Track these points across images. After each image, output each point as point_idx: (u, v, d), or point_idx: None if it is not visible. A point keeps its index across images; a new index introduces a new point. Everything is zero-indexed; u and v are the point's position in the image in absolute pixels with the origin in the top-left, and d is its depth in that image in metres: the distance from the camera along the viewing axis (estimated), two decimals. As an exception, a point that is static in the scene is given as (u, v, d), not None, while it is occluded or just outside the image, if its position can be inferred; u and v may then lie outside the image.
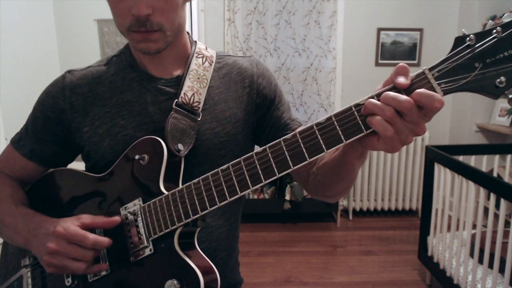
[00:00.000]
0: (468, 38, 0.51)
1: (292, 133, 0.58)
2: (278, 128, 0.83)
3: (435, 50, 3.32)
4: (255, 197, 3.27)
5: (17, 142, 0.83)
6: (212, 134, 0.78)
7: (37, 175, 0.85)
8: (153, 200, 0.69)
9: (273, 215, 3.32)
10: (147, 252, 0.68)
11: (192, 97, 0.77)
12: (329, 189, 0.74)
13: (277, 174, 0.59)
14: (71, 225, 0.67)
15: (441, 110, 0.51)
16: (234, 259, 0.92)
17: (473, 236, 2.00)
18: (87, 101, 0.79)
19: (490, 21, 0.53)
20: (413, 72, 0.53)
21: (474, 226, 2.05)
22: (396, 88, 0.52)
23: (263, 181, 0.60)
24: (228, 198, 0.62)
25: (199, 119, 0.77)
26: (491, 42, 0.50)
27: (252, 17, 3.24)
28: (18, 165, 0.83)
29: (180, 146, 0.73)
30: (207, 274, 0.64)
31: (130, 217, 0.71)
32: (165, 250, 0.67)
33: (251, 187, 0.61)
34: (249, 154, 0.61)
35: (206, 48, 0.85)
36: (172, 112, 0.75)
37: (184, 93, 0.76)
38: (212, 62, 0.83)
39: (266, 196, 3.30)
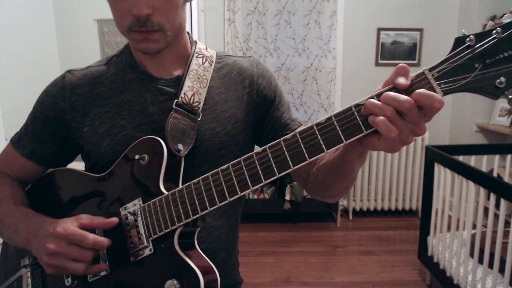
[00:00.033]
0: (468, 39, 0.51)
1: (292, 133, 0.58)
2: (278, 128, 0.83)
3: (435, 50, 3.32)
4: (255, 197, 3.27)
5: (17, 142, 0.83)
6: (212, 134, 0.78)
7: (37, 175, 0.85)
8: (153, 200, 0.69)
9: (273, 215, 3.32)
10: (147, 252, 0.68)
11: (192, 97, 0.77)
12: (329, 189, 0.74)
13: (277, 174, 0.59)
14: (70, 225, 0.67)
15: (441, 110, 0.51)
16: (234, 259, 0.92)
17: (473, 236, 2.00)
18: (87, 101, 0.79)
19: (490, 21, 0.53)
20: (413, 72, 0.53)
21: (474, 226, 2.05)
22: (396, 89, 0.52)
23: (263, 181, 0.60)
24: (228, 198, 0.62)
25: (199, 119, 0.77)
26: (491, 42, 0.50)
27: (252, 17, 3.24)
28: (18, 165, 0.83)
29: (180, 146, 0.73)
30: (207, 274, 0.64)
31: (130, 217, 0.71)
32: (165, 250, 0.67)
33: (251, 187, 0.61)
34: (249, 154, 0.61)
35: (206, 48, 0.85)
36: (172, 112, 0.75)
37: (184, 93, 0.76)
38: (212, 62, 0.83)
39: (266, 196, 3.30)
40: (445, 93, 0.52)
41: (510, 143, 2.91)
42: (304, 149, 0.57)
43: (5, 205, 0.78)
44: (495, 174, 2.48)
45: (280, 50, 3.31)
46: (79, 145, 0.80)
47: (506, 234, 1.84)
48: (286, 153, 0.58)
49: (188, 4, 0.76)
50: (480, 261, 1.86)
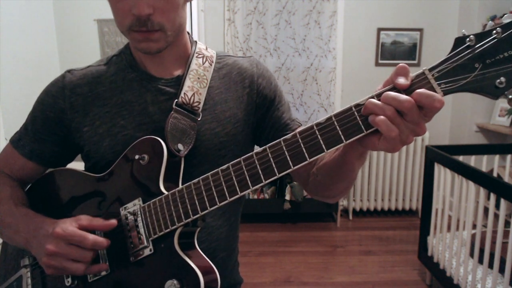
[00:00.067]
0: (468, 39, 0.51)
1: (292, 133, 0.58)
2: (278, 128, 0.83)
3: (435, 50, 3.32)
4: (255, 197, 3.27)
5: (16, 141, 0.83)
6: (212, 134, 0.78)
7: (36, 175, 0.85)
8: (153, 200, 0.69)
9: (273, 215, 3.32)
10: (147, 252, 0.68)
11: (192, 97, 0.77)
12: (329, 189, 0.74)
13: (277, 174, 0.59)
14: (69, 226, 0.67)
15: (441, 110, 0.51)
16: (234, 259, 0.92)
17: (473, 236, 2.00)
18: (87, 101, 0.79)
19: (490, 21, 0.53)
20: (413, 72, 0.53)
21: (474, 226, 2.05)
22: (396, 89, 0.52)
23: (263, 181, 0.60)
24: (228, 198, 0.62)
25: (199, 119, 0.77)
26: (491, 42, 0.50)
27: (252, 17, 3.24)
28: (18, 164, 0.83)
29: (180, 146, 0.73)
30: (207, 274, 0.64)
31: (130, 217, 0.71)
32: (165, 250, 0.67)
33: (251, 187, 0.61)
34: (249, 154, 0.61)
35: (206, 48, 0.85)
36: (172, 112, 0.75)
37: (184, 93, 0.76)
38: (212, 62, 0.83)
39: (266, 196, 3.30)
40: (445, 93, 0.52)
41: (510, 143, 2.91)
42: (304, 149, 0.57)
43: (5, 205, 0.78)
44: (495, 174, 2.48)
45: (280, 50, 3.31)
46: (79, 145, 0.80)
47: (506, 234, 1.84)
48: (286, 153, 0.58)
49: (188, 4, 0.76)
50: (480, 261, 1.86)
